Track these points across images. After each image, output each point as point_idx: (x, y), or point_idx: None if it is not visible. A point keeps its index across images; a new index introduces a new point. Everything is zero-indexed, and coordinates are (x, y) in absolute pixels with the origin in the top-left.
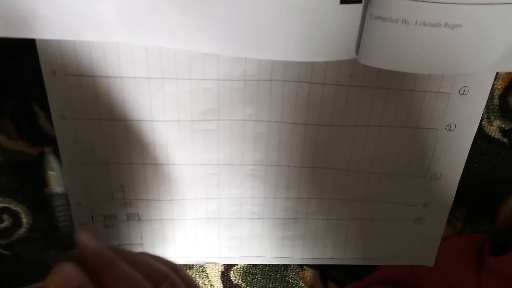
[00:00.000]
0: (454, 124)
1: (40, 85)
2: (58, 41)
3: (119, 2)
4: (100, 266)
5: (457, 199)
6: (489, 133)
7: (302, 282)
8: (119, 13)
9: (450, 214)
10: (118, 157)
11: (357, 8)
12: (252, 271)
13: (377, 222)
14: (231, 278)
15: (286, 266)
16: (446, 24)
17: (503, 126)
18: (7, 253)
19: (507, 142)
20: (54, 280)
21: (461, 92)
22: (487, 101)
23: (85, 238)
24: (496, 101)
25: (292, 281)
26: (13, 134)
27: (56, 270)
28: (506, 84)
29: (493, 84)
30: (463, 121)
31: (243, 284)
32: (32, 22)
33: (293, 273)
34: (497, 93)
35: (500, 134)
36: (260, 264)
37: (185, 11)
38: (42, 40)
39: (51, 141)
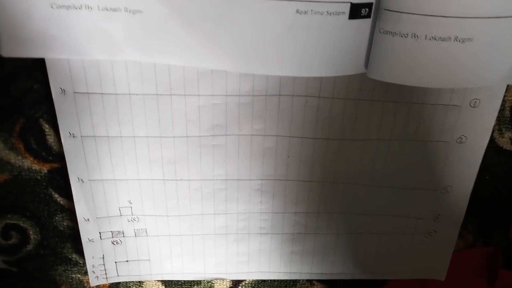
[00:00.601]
0: (465, 136)
1: (49, 102)
2: (67, 59)
3: (127, 20)
4: None
5: (469, 211)
6: (501, 145)
7: None
8: (127, 31)
9: (462, 227)
10: (126, 173)
11: (366, 23)
12: (260, 287)
13: (387, 236)
14: None
15: (295, 282)
16: (456, 38)
17: None
18: (14, 269)
19: None
20: None
21: (472, 104)
22: (498, 113)
23: None
24: (507, 112)
25: None
26: (21, 151)
27: None
28: None
29: (504, 96)
30: (474, 133)
31: None
32: (42, 42)
33: None
34: (508, 104)
35: (511, 146)
36: (268, 280)
37: (193, 29)
38: (51, 59)
39: (60, 158)
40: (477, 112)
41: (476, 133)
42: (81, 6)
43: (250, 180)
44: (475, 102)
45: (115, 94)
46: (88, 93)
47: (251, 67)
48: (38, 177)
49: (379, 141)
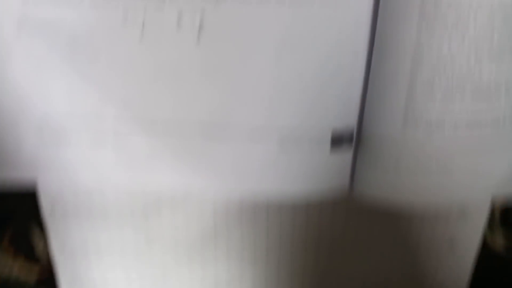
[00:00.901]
0: (455, 241)
1: (40, 215)
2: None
3: (115, 154)
4: None
5: None
6: (492, 248)
7: None
8: (116, 164)
9: None
10: (117, 283)
11: (348, 149)
12: None
13: None
14: None
15: None
16: (437, 164)
17: (506, 240)
18: None
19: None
20: None
21: (461, 210)
22: (489, 215)
23: None
24: (497, 215)
25: None
26: (11, 258)
27: None
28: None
29: (494, 199)
30: (464, 238)
31: None
32: (33, 168)
33: None
34: (498, 207)
35: (503, 249)
36: None
37: (178, 163)
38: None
39: (49, 268)
40: (466, 217)
41: (467, 238)
42: (70, 139)
43: (241, 282)
44: (464, 207)
45: (105, 213)
46: (78, 209)
47: (238, 193)
48: (27, 285)
49: (370, 250)
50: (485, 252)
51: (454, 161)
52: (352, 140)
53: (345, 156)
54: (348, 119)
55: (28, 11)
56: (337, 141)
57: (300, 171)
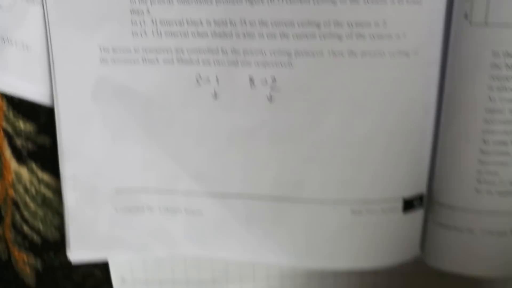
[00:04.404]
0: None
1: (110, 286)
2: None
3: (187, 220)
4: None
5: None
6: None
7: None
8: (187, 230)
9: None
10: None
11: (419, 211)
12: None
13: None
14: None
15: None
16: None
17: None
18: None
19: None
20: None
21: None
22: None
23: None
24: None
25: None
26: None
27: None
28: None
29: None
30: None
31: None
32: (106, 244)
33: None
34: None
35: None
36: None
37: (252, 225)
38: None
39: None
40: None
41: None
42: (143, 208)
43: None
44: None
45: (173, 281)
46: (146, 279)
47: (307, 263)
48: None
49: None
50: None
51: None
52: (423, 202)
53: (417, 218)
54: (419, 184)
55: (105, 73)
56: (408, 206)
57: (372, 238)
